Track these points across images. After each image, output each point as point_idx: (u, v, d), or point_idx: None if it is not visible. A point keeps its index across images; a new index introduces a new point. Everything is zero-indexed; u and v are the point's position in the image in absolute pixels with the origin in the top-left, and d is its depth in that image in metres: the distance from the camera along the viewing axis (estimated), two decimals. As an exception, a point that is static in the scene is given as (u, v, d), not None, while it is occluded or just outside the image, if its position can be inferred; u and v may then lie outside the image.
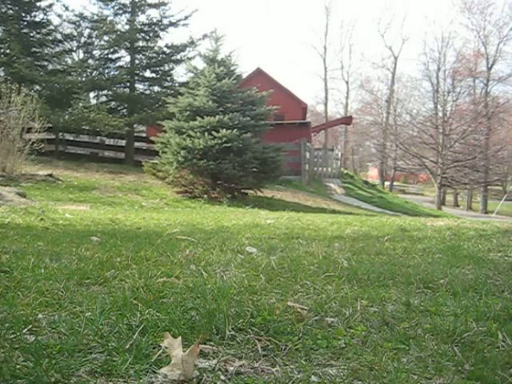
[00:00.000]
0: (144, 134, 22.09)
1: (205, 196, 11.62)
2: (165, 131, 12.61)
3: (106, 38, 18.23)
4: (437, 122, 30.32)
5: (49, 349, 1.42)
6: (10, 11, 17.46)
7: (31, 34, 17.77)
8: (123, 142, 19.88)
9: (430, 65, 35.78)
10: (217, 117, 11.51)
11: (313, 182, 21.27)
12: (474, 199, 37.02)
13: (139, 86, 19.15)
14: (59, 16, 19.18)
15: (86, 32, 18.83)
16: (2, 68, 17.02)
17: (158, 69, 18.69)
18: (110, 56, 18.73)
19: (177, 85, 17.78)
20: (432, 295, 2.23)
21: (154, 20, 18.41)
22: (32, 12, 17.67)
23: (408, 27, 76.98)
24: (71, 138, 21.08)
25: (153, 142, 13.29)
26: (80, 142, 21.48)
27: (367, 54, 75.47)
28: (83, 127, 16.62)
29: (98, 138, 21.59)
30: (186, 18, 18.35)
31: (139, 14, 18.60)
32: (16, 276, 2.24)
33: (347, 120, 33.50)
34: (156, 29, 18.51)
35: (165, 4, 18.23)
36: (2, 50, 17.49)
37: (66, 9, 19.56)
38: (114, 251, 3.09)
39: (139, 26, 18.37)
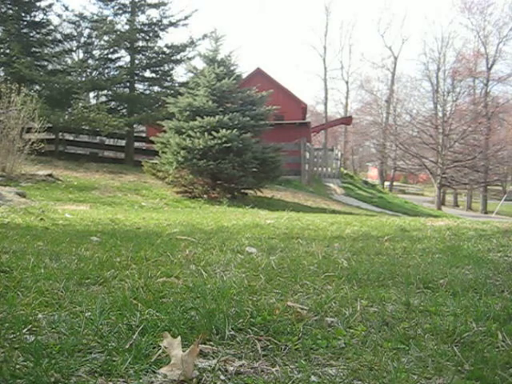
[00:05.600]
0: (144, 134, 22.07)
1: (205, 196, 11.62)
2: (165, 131, 12.61)
3: (105, 37, 18.21)
4: (437, 122, 30.29)
5: (49, 349, 1.42)
6: (10, 11, 17.45)
7: (31, 34, 17.77)
8: (123, 142, 19.86)
9: (429, 65, 35.77)
10: (217, 117, 11.50)
11: (313, 182, 21.26)
12: (474, 199, 37.01)
13: (139, 86, 19.15)
14: (59, 16, 19.22)
15: (86, 32, 18.84)
16: (2, 68, 17.03)
17: (157, 69, 18.68)
18: (109, 56, 18.71)
19: (177, 85, 17.77)
20: (432, 295, 2.22)
21: (154, 20, 18.40)
22: (32, 12, 17.66)
23: (408, 27, 77.06)
24: (71, 138, 21.07)
25: (153, 142, 13.28)
26: (80, 142, 21.46)
27: (367, 54, 75.41)
28: (83, 127, 16.60)
29: (98, 138, 21.58)
30: (186, 18, 18.35)
31: (139, 13, 18.60)
32: (16, 276, 2.25)
33: (347, 120, 33.49)
34: (156, 29, 18.51)
35: (165, 4, 18.22)
36: (1, 50, 17.49)
37: (66, 9, 19.62)
38: (114, 251, 3.09)
39: (139, 26, 18.36)
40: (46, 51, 18.41)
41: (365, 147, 49.89)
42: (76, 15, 18.27)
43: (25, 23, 17.69)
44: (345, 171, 30.33)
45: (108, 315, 1.72)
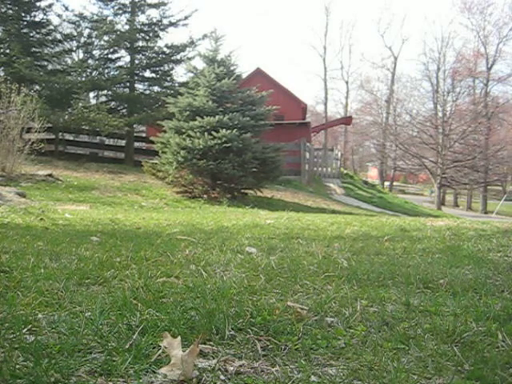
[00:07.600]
0: (144, 134, 22.07)
1: (204, 196, 11.62)
2: (165, 131, 12.61)
3: (105, 38, 18.22)
4: (436, 122, 30.30)
5: (49, 349, 1.42)
6: (10, 11, 17.45)
7: (31, 34, 17.77)
8: (123, 142, 19.87)
9: (429, 65, 35.76)
10: (216, 117, 11.50)
11: (313, 182, 21.26)
12: (474, 199, 37.01)
13: (139, 86, 19.16)
14: (59, 16, 19.22)
15: (86, 32, 18.84)
16: (2, 68, 17.01)
17: (157, 69, 18.69)
18: (109, 56, 18.73)
19: (177, 85, 17.77)
20: (432, 295, 2.22)
21: (154, 20, 18.41)
22: (32, 12, 17.66)
23: (408, 27, 77.20)
24: (71, 138, 21.08)
25: (153, 142, 13.29)
26: (80, 142, 21.47)
27: (367, 54, 75.51)
28: (83, 127, 16.62)
29: (98, 138, 21.58)
30: (186, 18, 18.36)
31: (139, 13, 18.61)
32: (16, 276, 2.24)
33: (347, 120, 33.49)
34: (156, 29, 18.51)
35: (165, 4, 18.23)
36: (1, 50, 17.49)
37: (66, 9, 19.64)
38: (114, 251, 3.09)
39: (139, 26, 18.37)
40: (46, 51, 18.42)
41: (365, 147, 49.89)
42: (76, 15, 18.30)
43: (25, 23, 17.69)
44: (345, 171, 30.34)
45: (108, 315, 1.72)
